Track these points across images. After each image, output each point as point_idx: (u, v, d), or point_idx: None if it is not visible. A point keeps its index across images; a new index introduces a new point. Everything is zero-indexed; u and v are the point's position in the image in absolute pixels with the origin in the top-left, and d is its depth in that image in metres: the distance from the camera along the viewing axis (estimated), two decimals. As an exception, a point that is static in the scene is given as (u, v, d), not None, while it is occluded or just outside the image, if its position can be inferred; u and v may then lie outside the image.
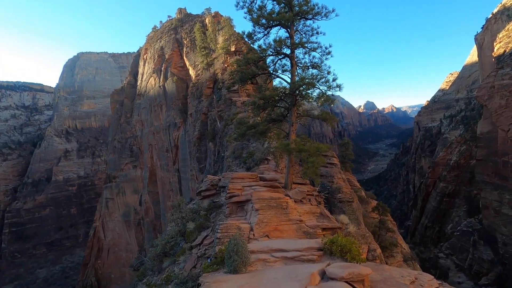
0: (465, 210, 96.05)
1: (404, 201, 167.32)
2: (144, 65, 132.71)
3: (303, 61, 15.91)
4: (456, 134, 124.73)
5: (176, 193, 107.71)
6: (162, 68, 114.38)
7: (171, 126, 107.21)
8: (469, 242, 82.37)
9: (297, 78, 15.14)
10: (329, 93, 14.85)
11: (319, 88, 14.97)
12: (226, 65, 77.53)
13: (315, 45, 15.37)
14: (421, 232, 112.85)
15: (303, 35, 15.47)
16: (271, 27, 15.38)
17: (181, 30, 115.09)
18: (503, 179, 70.83)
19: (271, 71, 16.57)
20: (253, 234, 11.82)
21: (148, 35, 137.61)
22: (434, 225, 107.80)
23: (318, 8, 14.56)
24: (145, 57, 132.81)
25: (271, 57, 16.17)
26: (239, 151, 41.45)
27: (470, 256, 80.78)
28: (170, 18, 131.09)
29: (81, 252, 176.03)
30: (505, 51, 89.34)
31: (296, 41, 15.19)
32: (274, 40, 15.11)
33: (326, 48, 15.35)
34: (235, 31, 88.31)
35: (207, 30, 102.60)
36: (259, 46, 15.57)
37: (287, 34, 15.76)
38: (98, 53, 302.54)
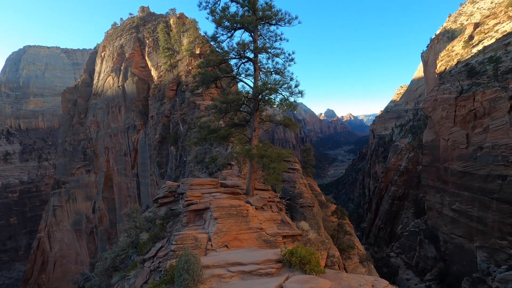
0: (413, 212, 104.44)
1: (360, 204, 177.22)
2: (101, 63, 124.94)
3: (266, 66, 15.95)
4: (405, 142, 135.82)
5: (134, 200, 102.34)
6: (122, 68, 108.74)
7: (130, 129, 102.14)
8: (416, 241, 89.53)
9: (260, 83, 15.08)
10: (291, 99, 15.06)
11: (281, 94, 15.11)
12: (190, 68, 75.95)
13: (279, 51, 15.53)
14: (375, 233, 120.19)
15: (267, 40, 15.54)
16: (234, 30, 15.18)
17: (144, 29, 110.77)
18: (444, 183, 78.37)
19: (234, 75, 16.32)
20: (211, 245, 11.22)
21: (107, 32, 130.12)
22: (386, 226, 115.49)
23: (281, 14, 14.74)
24: (103, 54, 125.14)
25: (235, 61, 16.00)
26: (202, 156, 40.54)
27: (416, 254, 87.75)
28: (132, 16, 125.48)
29: (21, 266, 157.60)
30: (445, 68, 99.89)
31: (260, 46, 15.16)
32: (238, 43, 14.94)
33: (289, 54, 15.58)
34: (200, 34, 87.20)
35: (171, 31, 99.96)
36: (222, 48, 15.26)
37: (250, 38, 15.68)
38: (48, 48, 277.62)
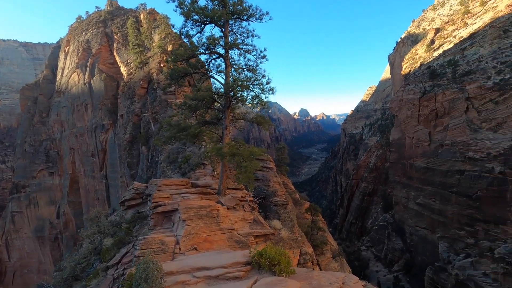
0: (382, 207, 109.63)
1: (333, 200, 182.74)
2: (65, 58, 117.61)
3: (238, 63, 15.68)
4: (375, 140, 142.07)
5: (103, 202, 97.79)
6: (88, 64, 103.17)
7: (98, 128, 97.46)
8: (384, 234, 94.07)
9: (231, 80, 14.74)
10: (263, 96, 14.90)
11: (253, 91, 14.88)
12: (162, 65, 73.59)
13: (250, 47, 15.27)
14: (347, 228, 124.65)
15: (238, 37, 15.25)
16: (204, 24, 14.70)
17: (112, 24, 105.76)
18: (409, 179, 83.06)
19: (205, 71, 15.83)
20: (179, 248, 10.68)
21: (71, 25, 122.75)
22: (357, 221, 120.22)
23: (252, 9, 14.50)
24: (67, 49, 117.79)
25: (205, 56, 15.53)
26: (175, 156, 39.41)
27: (385, 247, 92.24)
28: (99, 9, 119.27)
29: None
30: (410, 70, 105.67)
31: (231, 42, 14.83)
32: (208, 38, 14.50)
33: (261, 51, 15.39)
34: (172, 30, 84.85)
35: (141, 26, 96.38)
36: (191, 43, 14.72)
37: (221, 34, 15.31)
38: (4, 40, 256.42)
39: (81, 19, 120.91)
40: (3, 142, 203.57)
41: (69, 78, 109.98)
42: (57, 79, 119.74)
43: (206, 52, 14.99)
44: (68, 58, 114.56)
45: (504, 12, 74.58)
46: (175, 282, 8.16)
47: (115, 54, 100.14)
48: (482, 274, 55.37)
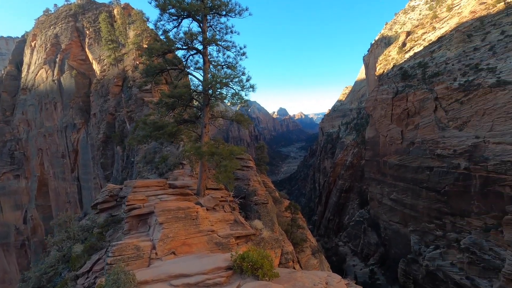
0: (358, 203, 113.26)
1: (312, 198, 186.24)
2: (31, 53, 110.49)
3: (217, 60, 15.28)
4: (351, 139, 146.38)
5: (75, 206, 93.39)
6: (57, 60, 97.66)
7: (69, 128, 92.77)
8: (361, 229, 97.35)
9: (209, 76, 14.33)
10: (243, 93, 14.62)
11: (232, 88, 14.54)
12: (137, 62, 71.16)
13: (230, 43, 14.89)
14: (325, 224, 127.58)
15: (217, 33, 14.84)
16: (181, 18, 14.17)
17: (83, 18, 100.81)
18: (383, 176, 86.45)
19: (183, 68, 15.28)
20: (156, 253, 10.11)
21: (38, 19, 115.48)
22: (335, 218, 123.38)
23: (231, 4, 14.17)
24: (33, 44, 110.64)
25: (183, 52, 14.98)
26: (151, 156, 38.20)
27: (361, 242, 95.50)
28: (69, 2, 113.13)
29: None
30: (384, 71, 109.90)
31: (209, 37, 14.41)
32: (185, 33, 13.96)
33: (240, 48, 15.10)
34: (148, 26, 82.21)
35: (115, 22, 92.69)
36: (167, 38, 14.12)
37: (199, 29, 14.85)
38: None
39: (49, 12, 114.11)
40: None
41: (36, 75, 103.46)
42: (23, 75, 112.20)
43: (184, 47, 14.44)
44: (35, 53, 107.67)
45: (468, 18, 79.55)
46: None
47: (86, 50, 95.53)
48: (450, 264, 58.84)
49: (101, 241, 13.15)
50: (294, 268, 16.68)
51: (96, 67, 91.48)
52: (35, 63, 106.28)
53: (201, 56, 15.09)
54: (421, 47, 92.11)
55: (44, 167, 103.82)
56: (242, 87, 14.20)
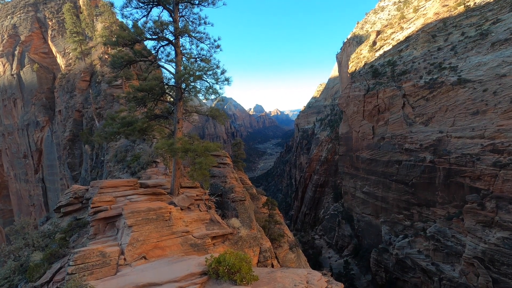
0: (332, 197, 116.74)
1: (288, 193, 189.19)
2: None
3: (190, 52, 14.57)
4: (325, 135, 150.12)
5: (40, 209, 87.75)
6: (16, 52, 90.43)
7: (31, 126, 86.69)
8: (335, 222, 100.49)
9: (182, 69, 13.61)
10: (217, 86, 14.07)
11: (206, 81, 13.92)
12: (106, 56, 67.55)
13: (203, 35, 14.20)
14: (302, 219, 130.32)
15: (190, 23, 14.12)
16: (151, 5, 13.28)
17: (45, 8, 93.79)
18: (356, 170, 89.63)
19: (153, 60, 14.42)
20: (124, 259, 9.32)
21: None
22: (311, 212, 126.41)
23: (204, -7, 13.56)
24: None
25: (153, 44, 14.13)
26: (123, 154, 36.51)
27: (336, 234, 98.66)
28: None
29: None
30: (356, 69, 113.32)
31: (181, 27, 13.67)
32: (154, 21, 13.11)
33: (215, 40, 14.47)
34: (117, 19, 78.29)
35: (81, 13, 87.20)
36: (135, 26, 13.18)
37: (171, 19, 14.07)
38: None
39: (5, 0, 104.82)
40: None
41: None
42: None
43: (153, 37, 13.58)
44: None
45: (432, 19, 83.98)
46: None
47: (49, 42, 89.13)
48: (417, 252, 62.43)
49: (64, 247, 12.00)
50: (272, 264, 16.62)
51: (60, 61, 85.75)
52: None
53: (173, 47, 14.30)
54: (390, 46, 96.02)
55: (3, 168, 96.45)
56: (217, 80, 13.60)
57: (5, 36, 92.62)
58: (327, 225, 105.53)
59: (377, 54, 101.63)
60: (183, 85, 13.78)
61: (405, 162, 70.59)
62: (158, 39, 13.70)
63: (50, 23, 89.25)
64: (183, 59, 14.29)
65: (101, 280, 7.84)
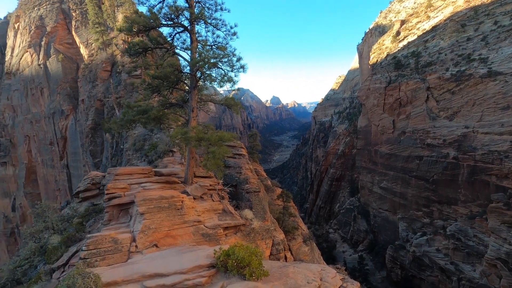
0: (348, 191, 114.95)
1: (304, 186, 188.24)
2: (15, 36, 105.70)
3: (206, 39, 14.32)
4: (343, 128, 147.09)
5: (65, 194, 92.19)
6: (43, 43, 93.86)
7: (57, 114, 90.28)
8: (351, 217, 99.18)
9: (197, 56, 13.43)
10: (232, 74, 13.77)
11: (221, 68, 13.67)
12: (125, 46, 68.74)
13: (219, 22, 13.89)
14: (316, 212, 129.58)
15: (206, 9, 13.81)
16: (166, -10, 13.04)
17: (69, 0, 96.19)
18: (374, 164, 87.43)
19: (169, 47, 14.29)
20: (136, 246, 9.39)
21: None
22: (326, 206, 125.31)
23: (220, -23, 13.17)
24: (16, 26, 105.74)
25: (169, 31, 13.97)
26: (141, 143, 37.27)
27: (351, 229, 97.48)
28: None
29: None
30: (377, 60, 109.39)
31: (196, 13, 13.39)
32: (169, 6, 12.92)
33: (231, 27, 14.16)
34: (138, 9, 79.14)
35: (102, 4, 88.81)
36: (150, 11, 13.03)
37: (186, 5, 13.79)
38: None
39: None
40: None
41: (21, 59, 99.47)
42: (6, 59, 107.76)
43: (169, 23, 13.43)
44: (19, 36, 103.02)
45: (462, 7, 79.06)
46: None
47: (73, 33, 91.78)
48: (436, 250, 60.60)
49: (81, 231, 12.46)
50: (285, 256, 16.50)
51: (83, 51, 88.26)
52: (19, 46, 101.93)
53: (188, 34, 14.11)
54: (415, 36, 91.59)
55: (32, 154, 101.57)
56: (232, 68, 13.28)
57: (33, 27, 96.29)
58: (342, 219, 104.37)
59: (401, 44, 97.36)
60: (198, 74, 13.62)
61: (426, 157, 67.99)
62: (174, 25, 13.53)
63: (74, 14, 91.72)
64: (199, 46, 14.11)
65: (110, 267, 7.90)
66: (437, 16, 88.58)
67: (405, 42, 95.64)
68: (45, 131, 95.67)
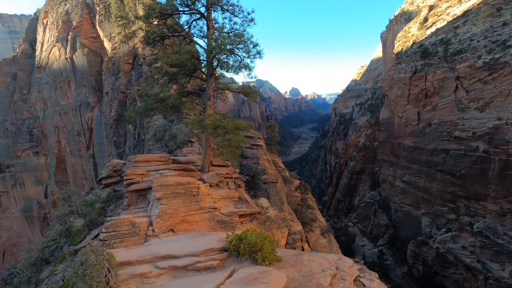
0: (369, 185, 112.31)
1: (322, 179, 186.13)
2: (44, 31, 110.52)
3: (222, 26, 14.13)
4: (364, 120, 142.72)
5: (92, 182, 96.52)
6: (69, 38, 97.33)
7: (83, 106, 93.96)
8: (371, 211, 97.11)
9: (213, 43, 13.31)
10: (248, 60, 13.54)
11: (237, 55, 13.42)
12: (140, 33, 70.01)
13: (236, 8, 13.58)
14: (335, 205, 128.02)
15: (222, -5, 13.58)
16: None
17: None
18: (397, 157, 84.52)
19: (186, 35, 14.27)
20: (153, 230, 9.64)
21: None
22: (345, 199, 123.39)
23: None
24: (45, 22, 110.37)
25: (186, 19, 13.94)
26: (161, 133, 38.15)
27: (371, 223, 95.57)
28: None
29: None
30: (402, 49, 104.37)
31: (213, -1, 13.19)
32: (185, -9, 12.81)
33: (248, 13, 13.81)
34: (159, 2, 79.72)
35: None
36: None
37: (203, -9, 13.67)
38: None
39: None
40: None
41: (49, 53, 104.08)
42: (37, 53, 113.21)
43: (185, 10, 13.36)
44: (47, 31, 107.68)
45: (499, -11, 73.14)
46: (132, 275, 6.72)
47: (97, 27, 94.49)
48: (461, 247, 58.15)
49: (102, 216, 13.07)
50: (302, 247, 16.40)
51: (107, 44, 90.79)
52: (48, 41, 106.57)
53: (205, 21, 14.01)
54: (445, 23, 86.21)
55: (61, 144, 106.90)
56: (248, 54, 13.05)
57: (60, 22, 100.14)
58: (362, 213, 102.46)
59: (428, 31, 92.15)
60: (215, 62, 13.55)
61: (453, 151, 64.73)
62: (190, 12, 13.44)
63: (97, 9, 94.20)
64: (215, 33, 14.00)
65: (127, 249, 8.18)
66: (469, 0, 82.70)
67: (433, 29, 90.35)
68: (72, 123, 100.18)
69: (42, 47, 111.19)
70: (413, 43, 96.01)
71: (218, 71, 14.36)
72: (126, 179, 12.32)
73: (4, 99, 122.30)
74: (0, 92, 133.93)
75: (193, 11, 13.53)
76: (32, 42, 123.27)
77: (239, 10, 13.70)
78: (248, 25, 13.92)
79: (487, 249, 53.59)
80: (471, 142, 60.84)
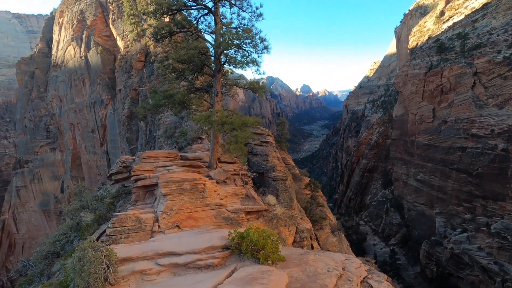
0: (381, 183, 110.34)
1: (333, 177, 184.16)
2: (60, 30, 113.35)
3: (230, 21, 14.00)
4: (377, 117, 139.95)
5: (105, 178, 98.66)
6: (84, 36, 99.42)
7: (97, 103, 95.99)
8: (383, 210, 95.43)
9: (221, 39, 13.20)
10: (255, 55, 13.35)
11: (245, 50, 13.12)
12: (148, 30, 70.75)
13: (244, 2, 13.36)
14: (346, 203, 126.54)
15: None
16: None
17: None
18: (410, 156, 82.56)
19: (194, 30, 14.21)
20: (158, 226, 9.60)
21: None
22: (356, 197, 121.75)
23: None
24: (61, 21, 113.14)
25: (194, 15, 13.84)
26: (172, 130, 38.55)
27: (383, 222, 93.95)
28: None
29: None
30: (417, 44, 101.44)
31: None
32: (192, -14, 12.75)
33: (256, 8, 13.61)
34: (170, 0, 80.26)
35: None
36: (175, -7, 12.94)
37: (210, -15, 13.55)
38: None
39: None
40: (3, 118, 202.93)
41: (65, 52, 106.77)
42: (53, 52, 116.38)
43: (192, 4, 13.28)
44: (63, 30, 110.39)
45: (522, -20, 69.83)
46: (132, 271, 6.65)
47: (110, 25, 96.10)
48: (477, 248, 56.42)
49: (111, 211, 13.26)
50: (312, 246, 16.17)
51: (120, 43, 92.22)
52: (63, 40, 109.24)
53: (212, 17, 13.91)
54: (462, 16, 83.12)
55: (76, 141, 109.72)
56: (255, 48, 12.86)
57: (75, 22, 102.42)
58: (374, 211, 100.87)
59: (445, 26, 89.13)
60: (223, 58, 13.46)
61: (470, 149, 62.63)
62: (197, 7, 13.35)
63: (110, 7, 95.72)
64: (223, 28, 13.89)
65: (129, 245, 8.19)
66: (489, -8, 79.37)
67: (450, 23, 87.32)
68: (87, 120, 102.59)
69: (58, 46, 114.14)
70: (429, 38, 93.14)
71: (226, 67, 14.26)
72: (134, 175, 12.43)
73: (23, 97, 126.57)
74: (19, 90, 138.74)
75: (201, 6, 13.46)
76: (49, 41, 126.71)
77: (247, 5, 13.52)
78: (256, 20, 13.72)
79: (505, 251, 51.81)
80: (489, 140, 58.70)
